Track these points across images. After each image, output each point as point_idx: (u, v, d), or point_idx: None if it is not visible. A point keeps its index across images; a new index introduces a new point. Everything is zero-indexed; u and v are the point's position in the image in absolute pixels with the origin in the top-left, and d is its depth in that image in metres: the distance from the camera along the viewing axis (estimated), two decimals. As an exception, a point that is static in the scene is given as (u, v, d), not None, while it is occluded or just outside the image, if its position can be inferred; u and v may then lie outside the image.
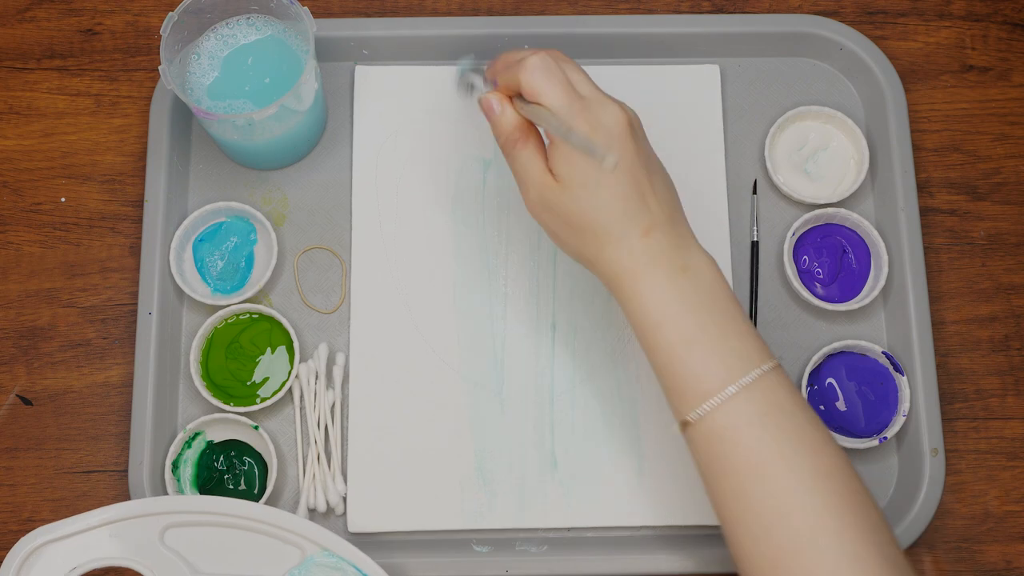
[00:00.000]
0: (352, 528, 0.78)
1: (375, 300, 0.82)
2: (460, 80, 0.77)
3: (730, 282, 0.83)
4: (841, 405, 0.81)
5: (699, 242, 0.69)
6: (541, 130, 0.70)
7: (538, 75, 0.68)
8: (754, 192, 0.85)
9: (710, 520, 0.79)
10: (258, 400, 0.80)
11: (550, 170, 0.69)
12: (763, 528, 0.63)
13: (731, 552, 0.66)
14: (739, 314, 0.67)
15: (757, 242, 0.84)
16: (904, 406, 0.79)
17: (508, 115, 0.70)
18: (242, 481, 0.79)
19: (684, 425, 0.66)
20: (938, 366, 0.81)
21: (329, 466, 0.79)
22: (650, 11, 0.90)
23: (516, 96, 0.70)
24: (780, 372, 0.66)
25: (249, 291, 0.81)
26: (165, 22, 0.77)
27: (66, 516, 0.79)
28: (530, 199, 0.70)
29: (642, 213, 0.67)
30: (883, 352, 0.80)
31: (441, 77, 0.86)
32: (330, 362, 0.81)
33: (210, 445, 0.80)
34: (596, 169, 0.66)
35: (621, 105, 0.68)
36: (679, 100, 0.86)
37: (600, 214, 0.67)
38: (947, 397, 0.82)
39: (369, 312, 0.82)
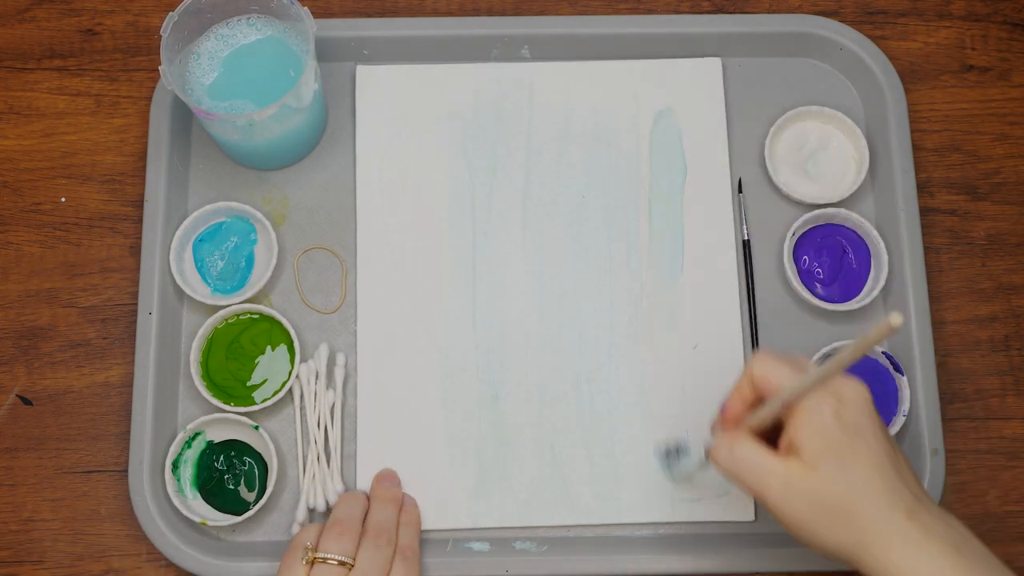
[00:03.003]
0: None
1: (381, 300, 0.82)
2: (667, 455, 0.78)
3: (735, 280, 0.83)
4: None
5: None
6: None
7: (769, 361, 0.65)
8: (739, 191, 0.85)
9: (710, 518, 0.79)
10: (258, 400, 0.80)
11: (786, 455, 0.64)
12: None
13: None
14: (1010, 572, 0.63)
15: (748, 240, 0.84)
16: (904, 406, 0.79)
17: (727, 434, 0.67)
18: (242, 481, 0.79)
19: None
20: (938, 366, 0.81)
21: (329, 466, 0.79)
22: (650, 11, 0.90)
23: (746, 415, 0.67)
24: None
25: (249, 291, 0.81)
26: (165, 22, 0.77)
27: (66, 516, 0.79)
28: (773, 491, 0.63)
29: (902, 491, 0.62)
30: (883, 352, 0.80)
31: (442, 77, 0.86)
32: (330, 362, 0.81)
33: (210, 445, 0.80)
34: (848, 439, 0.62)
35: (856, 378, 0.65)
36: (681, 95, 0.86)
37: (856, 494, 0.62)
38: (947, 397, 0.82)
39: (375, 312, 0.82)
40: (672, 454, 0.77)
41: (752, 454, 0.64)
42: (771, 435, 0.66)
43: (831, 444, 0.62)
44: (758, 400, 0.66)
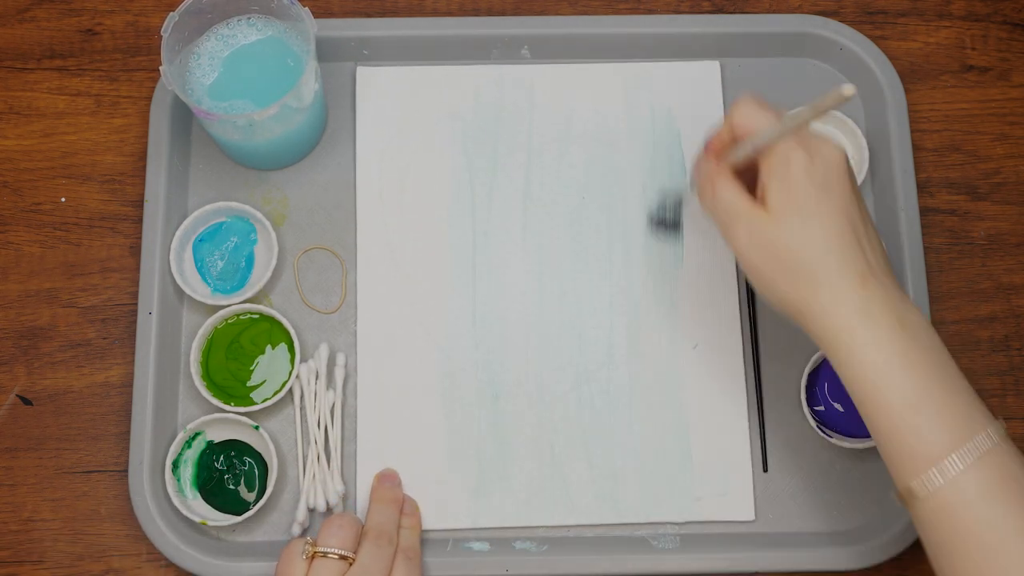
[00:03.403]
0: (352, 528, 0.78)
1: (381, 299, 0.82)
2: (655, 218, 0.78)
3: (735, 280, 0.83)
4: (840, 405, 0.81)
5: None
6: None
7: (749, 106, 0.66)
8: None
9: (710, 518, 0.79)
10: (258, 400, 0.80)
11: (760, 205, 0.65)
12: None
13: None
14: (959, 373, 0.63)
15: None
16: (904, 406, 0.79)
17: (711, 163, 0.68)
18: (242, 481, 0.79)
19: (908, 495, 0.61)
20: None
21: (329, 466, 0.79)
22: (650, 11, 0.90)
23: (727, 150, 0.68)
24: (1006, 435, 0.62)
25: (249, 291, 0.81)
26: (165, 22, 0.77)
27: (66, 516, 0.79)
28: (739, 237, 0.65)
29: (859, 258, 0.63)
30: (883, 352, 0.80)
31: (442, 77, 0.87)
32: (330, 362, 0.81)
33: (210, 445, 0.80)
34: (815, 196, 0.63)
35: (835, 141, 0.65)
36: (680, 97, 0.86)
37: (815, 250, 0.63)
38: (947, 397, 0.82)
39: (375, 312, 0.82)
40: (658, 220, 0.77)
41: (729, 196, 0.66)
42: (753, 184, 0.67)
43: (796, 197, 0.63)
44: (732, 143, 0.68)
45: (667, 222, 0.76)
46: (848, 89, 0.58)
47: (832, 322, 0.63)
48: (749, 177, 0.67)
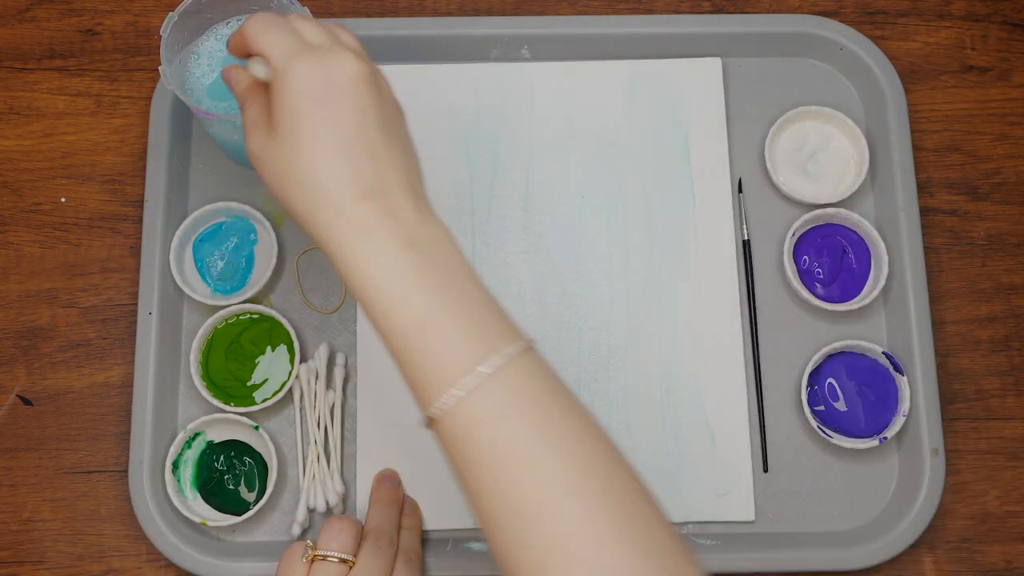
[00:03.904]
0: (352, 528, 0.78)
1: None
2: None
3: (735, 280, 0.83)
4: (841, 405, 0.81)
5: (438, 216, 0.62)
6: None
7: (259, 24, 0.62)
8: (739, 191, 0.85)
9: (710, 518, 0.79)
10: (258, 400, 0.80)
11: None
12: (516, 535, 0.56)
13: (494, 559, 0.59)
14: (482, 294, 0.61)
15: (748, 241, 0.84)
16: (904, 406, 0.79)
17: (241, 77, 0.65)
18: (242, 481, 0.79)
19: (430, 422, 0.59)
20: (938, 366, 0.81)
21: (329, 466, 0.79)
22: (650, 11, 0.90)
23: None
24: (532, 355, 0.60)
25: (249, 291, 0.81)
26: (165, 22, 0.77)
27: (66, 516, 0.79)
28: (250, 149, 0.63)
29: (362, 174, 0.60)
30: (883, 352, 0.80)
31: (442, 77, 0.86)
32: (330, 362, 0.81)
33: (210, 445, 0.80)
34: (311, 112, 0.59)
35: (360, 57, 0.61)
36: (681, 95, 0.86)
37: (312, 166, 0.60)
38: (947, 397, 0.82)
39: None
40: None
41: (251, 114, 0.63)
42: None
43: (295, 113, 0.60)
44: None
45: None
46: (257, 69, 0.58)
47: (331, 236, 0.59)
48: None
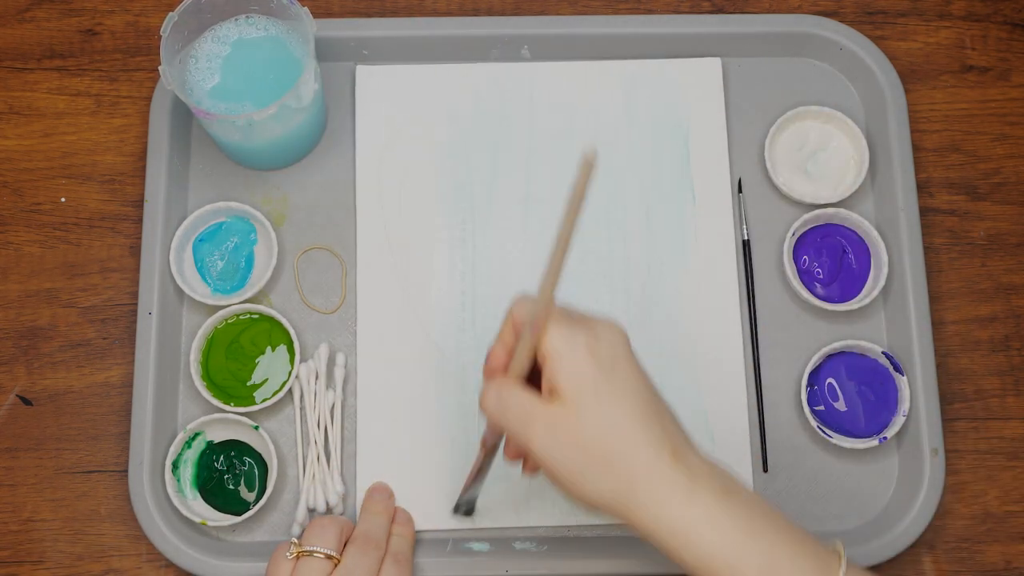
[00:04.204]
0: (352, 528, 0.78)
1: (381, 299, 0.82)
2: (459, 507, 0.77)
3: (735, 280, 0.83)
4: (841, 405, 0.81)
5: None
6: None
7: (523, 300, 0.63)
8: (739, 191, 0.85)
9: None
10: (258, 400, 0.80)
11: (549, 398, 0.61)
12: None
13: None
14: (785, 518, 0.61)
15: (748, 241, 0.84)
16: (904, 406, 0.79)
17: (489, 383, 0.63)
18: (242, 481, 0.79)
19: None
20: (938, 366, 0.81)
21: (329, 466, 0.79)
22: (650, 11, 0.90)
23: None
24: (854, 565, 0.61)
25: (249, 291, 0.81)
26: (165, 22, 0.77)
27: (66, 516, 0.79)
28: (538, 437, 0.60)
29: (664, 435, 0.59)
30: (883, 352, 0.80)
31: (442, 77, 0.87)
32: (330, 362, 0.81)
33: (210, 445, 0.80)
34: (604, 377, 0.59)
35: (613, 321, 0.62)
36: (681, 95, 0.86)
37: (620, 433, 0.59)
38: (947, 397, 0.82)
39: (375, 312, 0.82)
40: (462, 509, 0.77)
41: (517, 398, 0.61)
42: (538, 384, 0.63)
43: (588, 383, 0.59)
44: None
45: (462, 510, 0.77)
46: (590, 152, 0.53)
47: (659, 510, 0.59)
48: (534, 382, 0.63)
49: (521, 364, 0.62)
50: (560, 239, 0.56)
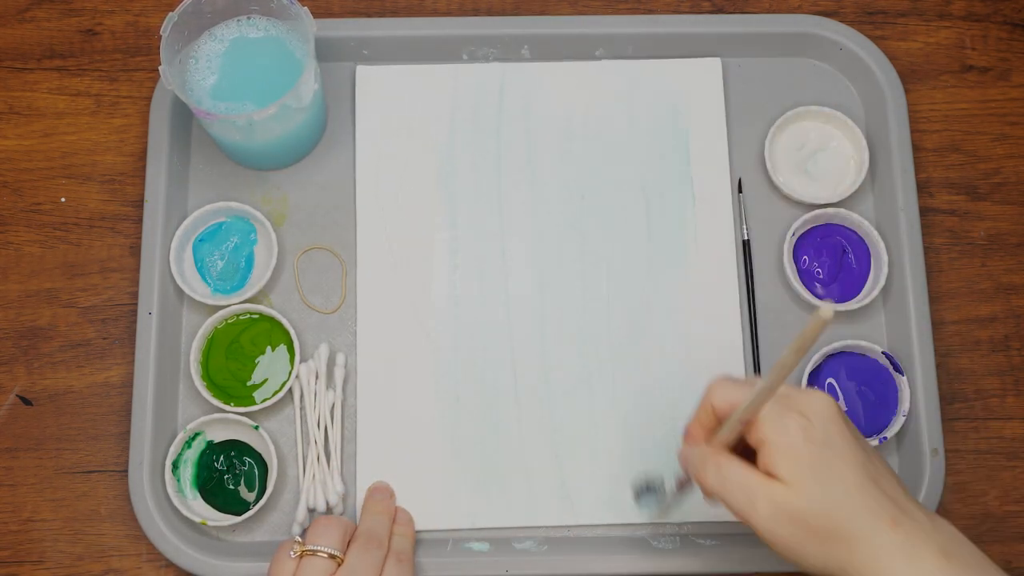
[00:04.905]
0: (352, 528, 0.78)
1: (381, 300, 0.82)
2: (640, 493, 0.77)
3: (735, 280, 0.83)
4: (841, 405, 0.81)
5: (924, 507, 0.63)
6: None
7: (724, 386, 0.65)
8: (739, 191, 0.85)
9: (710, 518, 0.79)
10: (258, 400, 0.80)
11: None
12: None
13: None
14: (999, 569, 0.62)
15: (748, 241, 0.84)
16: (904, 406, 0.79)
17: (703, 448, 0.65)
18: (242, 481, 0.79)
19: None
20: (938, 366, 0.81)
21: (329, 466, 0.79)
22: (650, 11, 0.90)
23: (712, 433, 0.66)
24: None
25: (249, 291, 0.81)
26: (165, 22, 0.77)
27: (66, 516, 0.80)
28: (761, 515, 0.62)
29: (883, 502, 0.61)
30: (883, 352, 0.80)
31: (442, 77, 0.87)
32: (330, 362, 0.81)
33: (210, 445, 0.80)
34: (820, 454, 0.61)
35: (820, 392, 0.64)
36: (681, 95, 0.86)
37: (843, 510, 0.60)
38: (947, 397, 0.82)
39: (375, 312, 0.82)
40: (644, 492, 0.77)
41: (738, 476, 0.63)
42: (743, 458, 0.65)
43: (805, 463, 0.61)
44: (717, 426, 0.66)
45: (652, 491, 0.77)
46: (826, 311, 0.53)
47: (879, 570, 0.60)
48: (739, 452, 0.65)
49: (726, 442, 0.65)
50: (782, 366, 0.58)
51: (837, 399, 0.81)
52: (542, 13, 0.90)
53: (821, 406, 0.63)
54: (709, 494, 0.66)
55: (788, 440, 0.61)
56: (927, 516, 0.62)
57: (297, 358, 0.80)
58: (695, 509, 0.79)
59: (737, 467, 0.63)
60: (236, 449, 0.80)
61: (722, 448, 0.65)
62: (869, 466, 0.62)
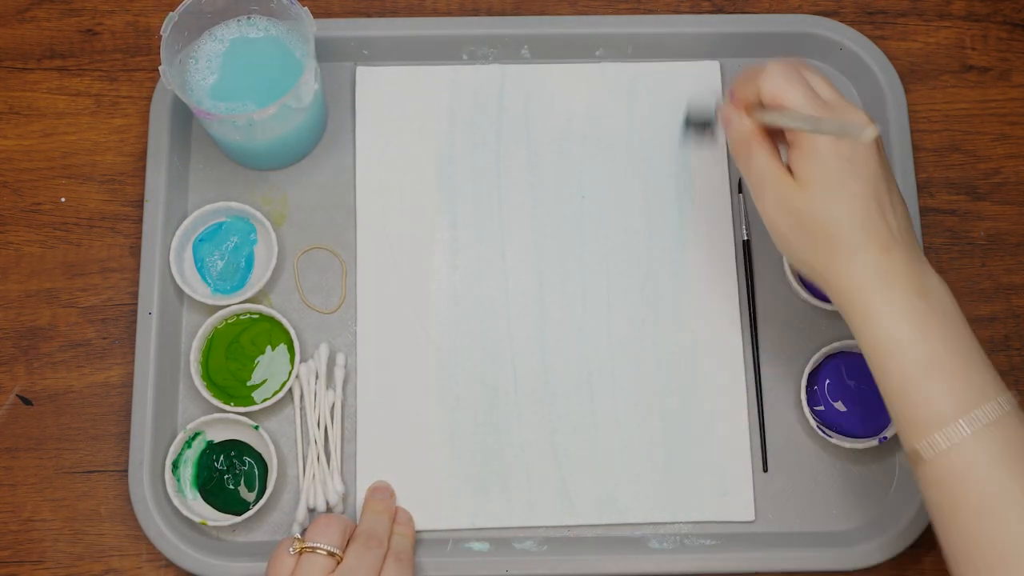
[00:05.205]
0: (352, 528, 0.78)
1: (381, 300, 0.82)
2: (691, 120, 0.76)
3: (735, 280, 0.83)
4: (840, 405, 0.81)
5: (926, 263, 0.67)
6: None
7: (779, 79, 0.67)
8: (739, 191, 0.85)
9: (710, 518, 0.79)
10: (258, 400, 0.80)
11: (789, 172, 0.67)
12: (988, 570, 0.60)
13: None
14: (976, 344, 0.65)
15: (748, 241, 0.84)
16: (904, 406, 0.79)
17: (744, 122, 0.68)
18: (242, 481, 0.79)
19: (914, 456, 0.63)
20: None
21: (329, 466, 0.79)
22: (650, 11, 0.90)
23: (756, 107, 0.69)
24: (1017, 406, 0.63)
25: (249, 291, 0.81)
26: (165, 22, 0.77)
27: (66, 516, 0.80)
28: (766, 200, 0.67)
29: (881, 227, 0.65)
30: (883, 352, 0.80)
31: (442, 77, 0.87)
32: (330, 362, 0.81)
33: (210, 445, 0.80)
34: (841, 169, 0.64)
35: (866, 114, 0.66)
36: (680, 97, 0.86)
37: (839, 220, 0.65)
38: (947, 397, 0.82)
39: (375, 312, 0.82)
40: (701, 126, 0.76)
41: (762, 162, 0.67)
42: (778, 140, 0.69)
43: (823, 170, 0.65)
44: (758, 103, 0.68)
45: (703, 124, 0.76)
46: (870, 133, 0.60)
47: (850, 284, 0.65)
48: (777, 134, 0.69)
49: (766, 123, 0.68)
50: (829, 120, 0.64)
51: (836, 399, 0.81)
52: (542, 13, 0.89)
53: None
54: (738, 166, 0.70)
55: (816, 147, 0.65)
56: (922, 262, 0.66)
57: (297, 358, 0.80)
58: (695, 509, 0.79)
59: (764, 156, 0.67)
60: (236, 449, 0.80)
61: (759, 128, 0.68)
62: (883, 195, 0.65)
